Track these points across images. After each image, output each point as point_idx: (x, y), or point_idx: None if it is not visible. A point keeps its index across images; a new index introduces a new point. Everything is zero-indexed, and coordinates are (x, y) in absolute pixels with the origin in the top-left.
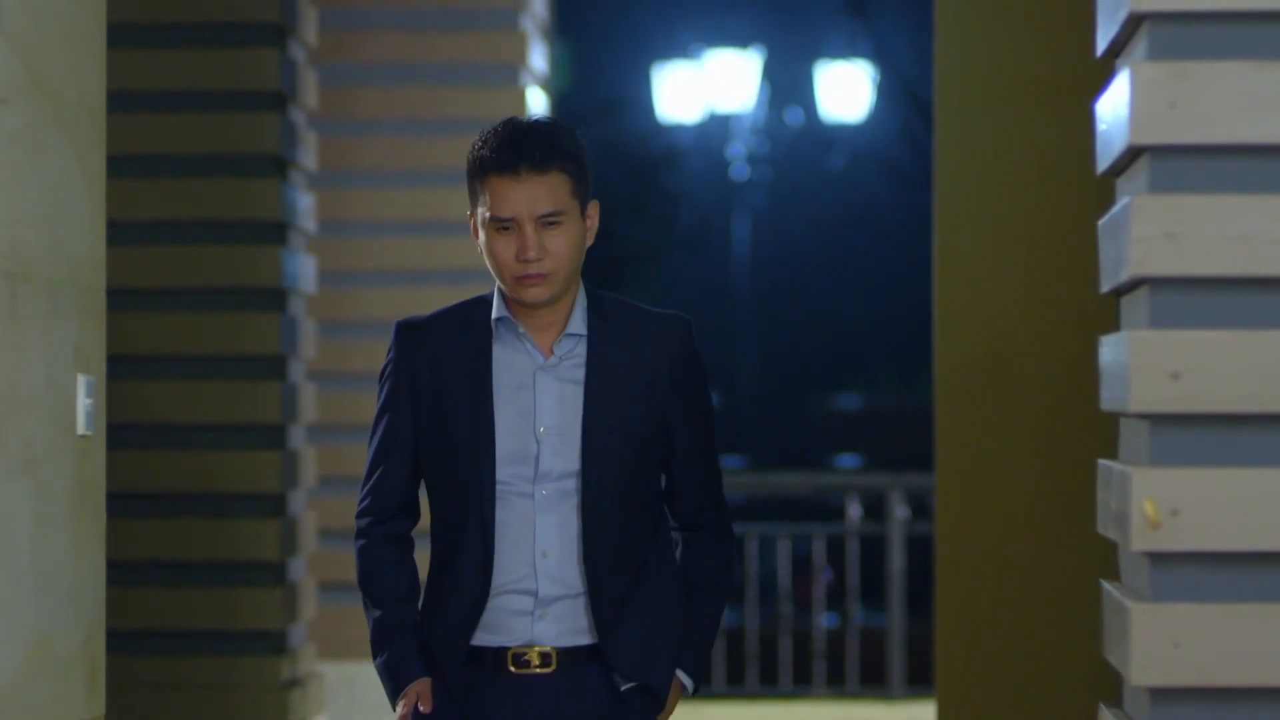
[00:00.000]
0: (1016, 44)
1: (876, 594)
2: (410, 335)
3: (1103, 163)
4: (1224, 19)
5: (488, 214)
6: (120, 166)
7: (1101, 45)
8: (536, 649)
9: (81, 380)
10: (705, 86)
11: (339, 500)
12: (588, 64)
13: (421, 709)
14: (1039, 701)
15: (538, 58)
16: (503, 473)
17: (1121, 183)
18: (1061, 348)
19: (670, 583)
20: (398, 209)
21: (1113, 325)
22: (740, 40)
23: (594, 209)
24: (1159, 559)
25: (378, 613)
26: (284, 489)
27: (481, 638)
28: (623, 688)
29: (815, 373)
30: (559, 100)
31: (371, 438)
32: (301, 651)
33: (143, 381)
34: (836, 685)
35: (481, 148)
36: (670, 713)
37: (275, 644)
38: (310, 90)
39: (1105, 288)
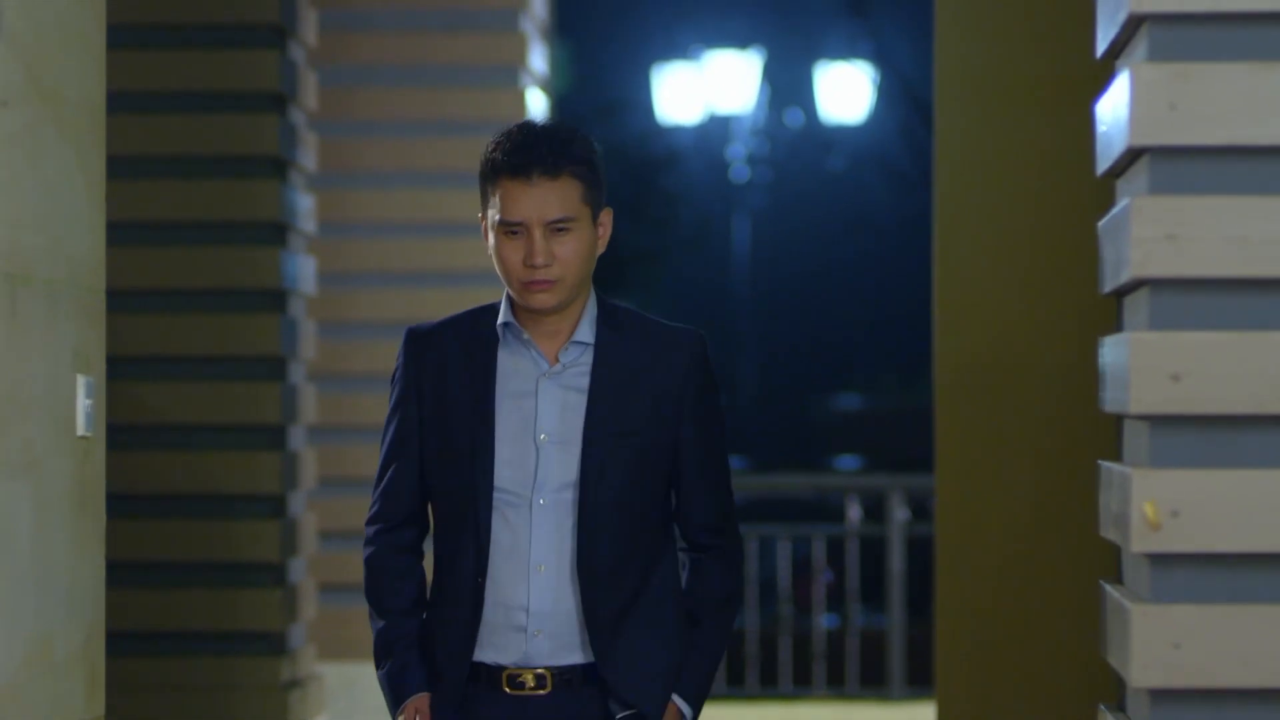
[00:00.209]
0: (1016, 45)
1: (876, 595)
2: (418, 341)
3: (1103, 164)
4: (1224, 20)
5: (497, 217)
6: (120, 167)
7: (1101, 46)
8: (531, 671)
9: (81, 381)
10: (705, 88)
11: (339, 502)
12: (587, 65)
13: None
14: (1039, 703)
15: (538, 59)
16: (501, 480)
17: (1122, 184)
18: (1062, 349)
19: (671, 607)
20: (398, 210)
21: (1113, 327)
22: (740, 41)
23: (606, 216)
24: (1159, 560)
25: (381, 623)
26: (284, 490)
27: (479, 653)
28: (616, 716)
29: (815, 373)
30: (559, 102)
31: (382, 442)
32: (301, 653)
33: (143, 382)
34: (836, 686)
35: (494, 150)
36: None
37: (275, 645)
38: (310, 91)
39: (1105, 289)
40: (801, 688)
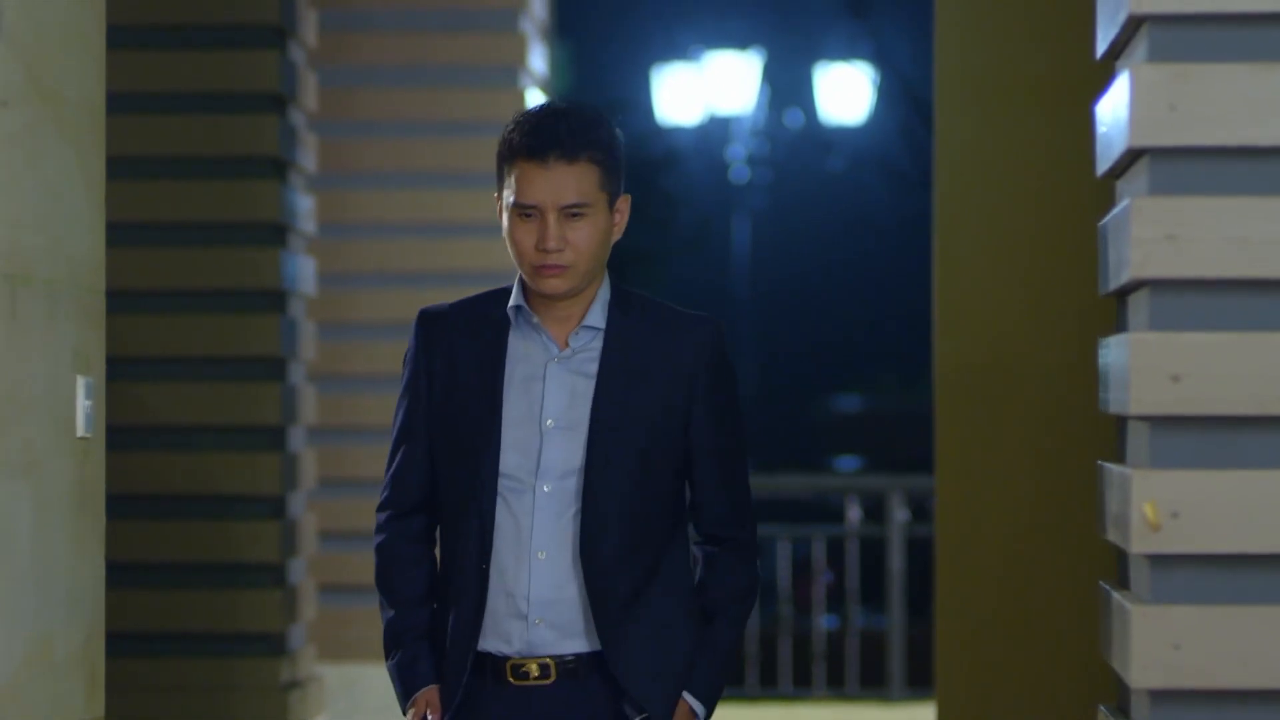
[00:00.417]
0: (1016, 46)
1: (876, 596)
2: (429, 323)
3: (1103, 165)
4: (1224, 21)
5: (512, 199)
6: (120, 168)
7: (1101, 47)
8: (535, 660)
9: (81, 382)
10: (705, 88)
11: (339, 502)
12: (587, 66)
13: (430, 717)
14: (1039, 704)
15: (537, 59)
16: (506, 465)
17: (1122, 185)
18: (1062, 350)
19: (683, 600)
20: (398, 211)
21: (1113, 327)
22: (740, 42)
23: (624, 203)
24: (1159, 561)
25: (391, 613)
26: (284, 491)
27: (483, 642)
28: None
29: (815, 374)
30: None
31: (393, 425)
32: (301, 653)
33: (142, 383)
34: (836, 687)
35: (513, 130)
36: None
37: (275, 646)
38: (310, 92)
39: (1105, 290)
40: (801, 688)
